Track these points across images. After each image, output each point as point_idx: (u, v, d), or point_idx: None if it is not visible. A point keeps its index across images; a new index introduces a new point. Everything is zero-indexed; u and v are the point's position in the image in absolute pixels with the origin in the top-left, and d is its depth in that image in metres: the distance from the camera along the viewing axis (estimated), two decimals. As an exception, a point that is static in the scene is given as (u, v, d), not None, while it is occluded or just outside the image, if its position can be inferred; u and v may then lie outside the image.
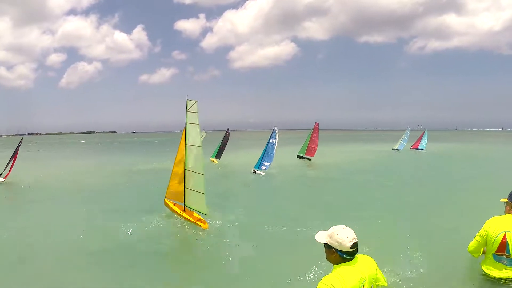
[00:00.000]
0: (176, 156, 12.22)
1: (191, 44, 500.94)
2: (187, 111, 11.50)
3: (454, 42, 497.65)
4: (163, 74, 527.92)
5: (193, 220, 11.29)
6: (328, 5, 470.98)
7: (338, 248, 3.43)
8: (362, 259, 3.59)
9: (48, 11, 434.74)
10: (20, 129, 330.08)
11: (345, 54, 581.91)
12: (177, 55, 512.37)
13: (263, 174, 24.63)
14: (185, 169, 11.79)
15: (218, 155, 32.53)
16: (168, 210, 12.75)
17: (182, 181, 11.92)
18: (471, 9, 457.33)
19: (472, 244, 7.04)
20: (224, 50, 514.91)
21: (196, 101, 11.42)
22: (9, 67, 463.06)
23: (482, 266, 6.93)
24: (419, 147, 48.30)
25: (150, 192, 17.33)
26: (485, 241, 6.73)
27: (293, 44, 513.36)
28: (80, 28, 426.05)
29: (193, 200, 11.60)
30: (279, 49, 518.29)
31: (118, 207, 14.42)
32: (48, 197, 17.04)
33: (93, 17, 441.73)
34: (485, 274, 6.82)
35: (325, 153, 39.29)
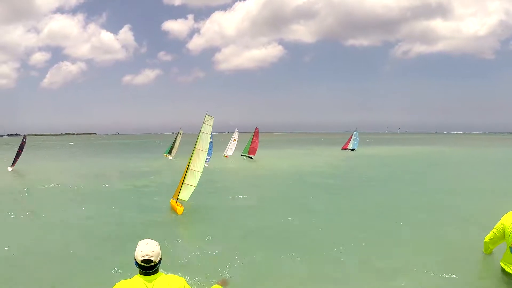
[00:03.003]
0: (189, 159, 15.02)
1: (178, 45, 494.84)
2: (203, 123, 14.81)
3: (439, 47, 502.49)
4: (147, 75, 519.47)
5: (174, 208, 14.33)
6: (317, 8, 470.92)
7: (134, 257, 3.78)
8: (163, 280, 3.79)
9: (35, 8, 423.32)
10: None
11: (331, 57, 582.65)
12: (163, 56, 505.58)
13: (207, 165, 28.79)
14: (188, 168, 14.69)
15: (170, 151, 42.35)
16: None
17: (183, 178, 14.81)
18: (457, 14, 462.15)
19: (488, 236, 7.51)
20: (210, 52, 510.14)
21: (213, 117, 14.99)
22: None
23: (501, 262, 7.19)
24: (351, 148, 56.24)
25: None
26: (502, 234, 7.05)
27: (280, 47, 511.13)
28: (67, 26, 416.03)
29: (185, 192, 14.56)
30: (265, 52, 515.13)
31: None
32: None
33: (80, 16, 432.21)
34: (503, 271, 7.09)
35: (270, 155, 46.49)
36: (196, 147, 14.72)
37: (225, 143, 42.30)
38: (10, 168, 30.59)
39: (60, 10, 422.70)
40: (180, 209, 13.98)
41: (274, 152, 55.45)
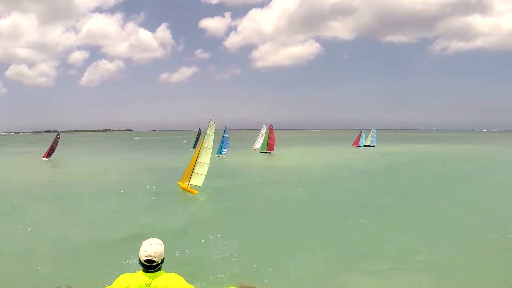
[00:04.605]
0: (195, 153, 19.47)
1: (215, 43, 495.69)
2: (208, 127, 19.28)
3: (477, 43, 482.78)
4: (184, 72, 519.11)
5: (190, 190, 18.91)
6: (355, 5, 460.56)
7: (138, 255, 3.86)
8: (163, 278, 3.88)
9: (74, 8, 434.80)
10: (37, 126, 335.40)
11: (369, 54, 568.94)
12: (200, 54, 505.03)
13: (224, 156, 36.61)
14: (196, 161, 19.00)
15: (195, 145, 48.08)
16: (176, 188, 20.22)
17: (192, 168, 19.28)
18: (497, 10, 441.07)
19: None
20: (247, 49, 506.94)
21: (215, 123, 19.45)
22: (31, 64, 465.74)
23: None
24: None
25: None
26: None
27: (317, 44, 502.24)
28: (105, 26, 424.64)
29: (196, 179, 18.99)
30: (302, 49, 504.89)
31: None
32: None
33: (118, 15, 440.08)
34: None
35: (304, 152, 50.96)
36: (203, 145, 19.12)
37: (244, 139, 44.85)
38: (46, 159, 37.08)
39: (98, 9, 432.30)
40: (195, 191, 18.67)
41: (309, 149, 58.36)
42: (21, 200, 17.28)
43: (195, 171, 18.98)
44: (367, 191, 19.13)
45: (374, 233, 11.41)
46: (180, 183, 19.81)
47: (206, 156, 19.02)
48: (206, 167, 18.98)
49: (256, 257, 9.26)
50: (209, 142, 19.22)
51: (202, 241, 10.84)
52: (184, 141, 78.45)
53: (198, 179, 18.90)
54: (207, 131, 19.24)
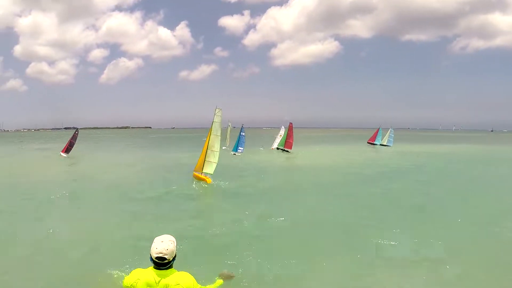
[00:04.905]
0: (205, 142, 20.10)
1: (234, 41, 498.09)
2: (215, 114, 19.67)
3: (497, 41, 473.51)
4: (203, 70, 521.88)
5: (204, 179, 19.40)
6: (374, 3, 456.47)
7: (150, 252, 3.84)
8: (173, 277, 3.87)
9: (94, 7, 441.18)
10: (57, 123, 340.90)
11: (388, 53, 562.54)
12: (219, 52, 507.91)
13: (240, 154, 36.70)
14: (207, 149, 19.63)
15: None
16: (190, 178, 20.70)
17: (204, 156, 19.85)
18: None
19: None
20: (266, 47, 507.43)
21: (221, 109, 19.97)
22: (51, 62, 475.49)
23: None
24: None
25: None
26: None
27: (336, 42, 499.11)
28: (125, 24, 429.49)
29: (209, 167, 19.61)
30: (321, 47, 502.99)
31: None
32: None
33: (138, 14, 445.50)
34: None
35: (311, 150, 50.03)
36: (212, 132, 19.65)
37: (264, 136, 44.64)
38: (64, 155, 36.58)
39: (118, 8, 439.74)
40: (208, 179, 19.16)
41: (327, 147, 57.51)
42: (37, 196, 17.10)
43: (207, 159, 19.65)
44: (389, 192, 18.19)
45: (398, 239, 10.59)
46: (195, 173, 20.36)
47: (216, 144, 19.71)
48: (217, 154, 19.66)
49: (260, 257, 8.92)
50: (217, 129, 19.82)
51: (208, 240, 10.64)
52: (204, 139, 78.20)
53: (210, 167, 19.63)
54: (214, 119, 19.73)
